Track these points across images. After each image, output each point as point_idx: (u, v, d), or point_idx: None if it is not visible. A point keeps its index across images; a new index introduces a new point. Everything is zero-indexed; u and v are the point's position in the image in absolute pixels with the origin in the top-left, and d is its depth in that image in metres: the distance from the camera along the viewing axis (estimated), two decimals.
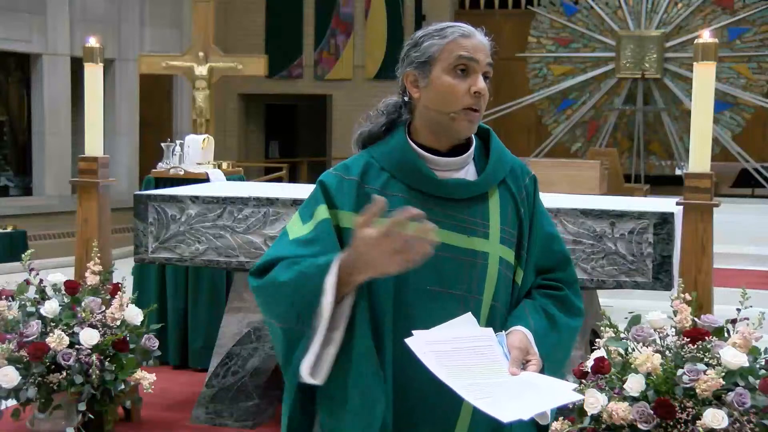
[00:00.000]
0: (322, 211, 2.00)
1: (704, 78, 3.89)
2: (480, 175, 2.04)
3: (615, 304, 6.57)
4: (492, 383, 1.86)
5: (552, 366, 2.03)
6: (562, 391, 1.90)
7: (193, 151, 6.28)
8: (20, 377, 4.22)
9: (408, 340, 1.87)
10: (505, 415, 1.77)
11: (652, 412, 3.36)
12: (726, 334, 3.59)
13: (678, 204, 3.98)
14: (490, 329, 1.97)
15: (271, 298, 1.97)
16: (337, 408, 1.96)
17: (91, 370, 4.24)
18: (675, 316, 3.66)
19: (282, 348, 1.96)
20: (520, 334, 1.98)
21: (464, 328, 1.93)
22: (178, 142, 6.45)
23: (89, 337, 4.29)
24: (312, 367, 1.91)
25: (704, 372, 3.37)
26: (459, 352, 1.89)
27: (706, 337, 3.53)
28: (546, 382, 1.91)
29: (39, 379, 4.23)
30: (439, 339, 1.90)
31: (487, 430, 1.96)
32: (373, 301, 1.95)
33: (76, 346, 4.28)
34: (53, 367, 4.26)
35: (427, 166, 2.02)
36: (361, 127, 2.11)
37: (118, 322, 4.43)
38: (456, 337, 1.91)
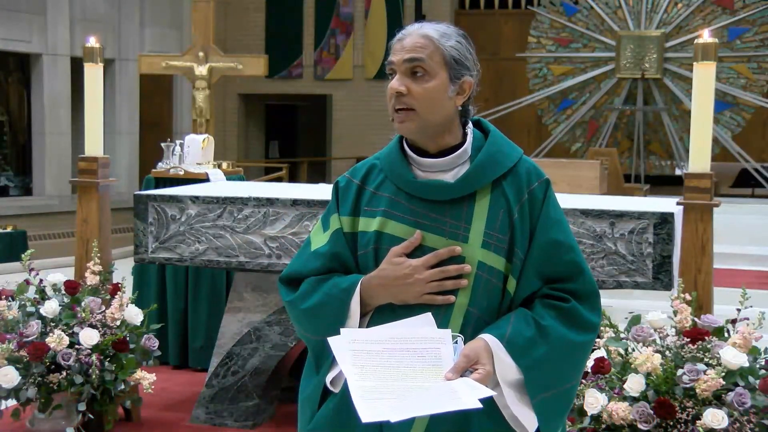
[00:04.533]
0: (335, 221, 2.09)
1: (704, 78, 3.89)
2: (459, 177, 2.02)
3: (615, 304, 6.56)
4: (407, 386, 1.82)
5: (539, 380, 1.95)
6: (464, 399, 1.79)
7: (193, 151, 6.28)
8: (20, 377, 4.22)
9: (330, 339, 1.90)
10: (368, 414, 1.74)
11: (652, 412, 3.36)
12: (726, 334, 3.59)
13: (678, 204, 3.99)
14: (448, 331, 1.92)
15: (302, 318, 2.09)
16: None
17: (91, 370, 4.24)
18: (675, 316, 3.66)
19: (312, 356, 2.09)
20: (480, 341, 1.93)
21: (416, 328, 1.91)
22: (178, 142, 6.45)
23: (89, 337, 4.29)
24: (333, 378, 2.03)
25: (704, 372, 3.37)
26: (390, 353, 1.87)
27: (706, 337, 3.54)
28: (466, 389, 1.83)
29: (39, 379, 4.23)
30: (372, 338, 1.89)
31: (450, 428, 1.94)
32: None
33: (76, 346, 4.28)
34: (53, 367, 4.26)
35: (408, 167, 2.04)
36: None
37: (118, 322, 4.43)
38: (395, 337, 1.89)
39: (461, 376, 1.88)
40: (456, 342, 1.92)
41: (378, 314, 2.00)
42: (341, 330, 1.93)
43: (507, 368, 1.93)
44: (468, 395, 1.80)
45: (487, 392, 1.84)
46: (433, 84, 1.97)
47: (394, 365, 1.85)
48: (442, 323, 1.95)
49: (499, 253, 1.99)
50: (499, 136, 2.08)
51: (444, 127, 2.02)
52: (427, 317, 1.92)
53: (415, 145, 2.05)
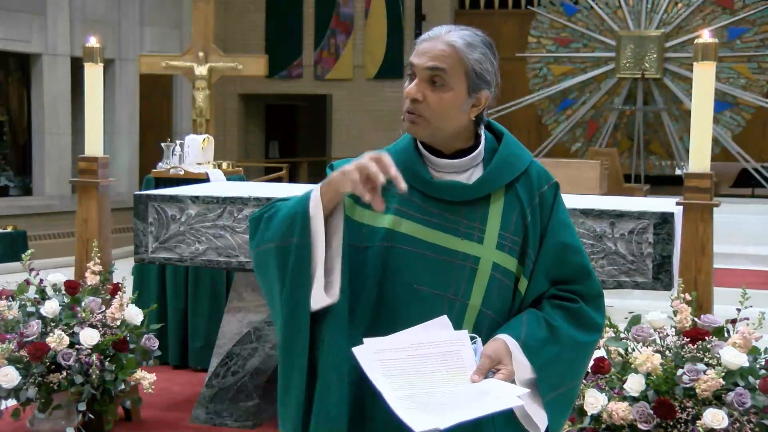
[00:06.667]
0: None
1: (704, 78, 3.89)
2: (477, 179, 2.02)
3: (615, 304, 6.57)
4: (440, 392, 1.82)
5: (550, 380, 1.97)
6: (504, 399, 1.80)
7: (193, 151, 6.28)
8: (20, 377, 4.22)
9: (355, 350, 1.86)
10: (419, 424, 1.72)
11: (652, 412, 3.37)
12: (726, 334, 3.60)
13: (678, 204, 3.99)
14: (465, 332, 1.92)
15: (270, 221, 2.01)
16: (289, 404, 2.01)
17: (91, 370, 4.24)
18: (675, 316, 3.67)
19: (277, 274, 1.98)
20: (500, 342, 1.94)
21: (434, 331, 1.90)
22: (178, 142, 6.46)
23: (89, 337, 4.29)
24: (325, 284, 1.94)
25: (704, 372, 3.37)
26: (414, 360, 1.86)
27: (706, 337, 3.54)
28: (500, 389, 1.84)
29: (39, 379, 4.23)
30: (394, 346, 1.87)
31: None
32: (356, 295, 1.97)
33: (76, 346, 4.28)
34: (53, 367, 4.26)
35: (424, 167, 2.03)
36: None
37: (118, 322, 4.43)
38: (416, 343, 1.88)
39: (485, 376, 1.90)
40: (474, 342, 1.93)
41: (404, 300, 1.97)
42: (365, 340, 1.88)
43: (522, 368, 1.95)
44: (505, 395, 1.82)
45: (522, 390, 1.86)
46: (449, 96, 1.96)
47: (420, 372, 1.85)
48: (455, 325, 1.94)
49: (512, 255, 2.01)
50: (511, 139, 2.10)
51: (455, 134, 2.02)
52: (443, 320, 1.92)
53: (430, 145, 2.05)
